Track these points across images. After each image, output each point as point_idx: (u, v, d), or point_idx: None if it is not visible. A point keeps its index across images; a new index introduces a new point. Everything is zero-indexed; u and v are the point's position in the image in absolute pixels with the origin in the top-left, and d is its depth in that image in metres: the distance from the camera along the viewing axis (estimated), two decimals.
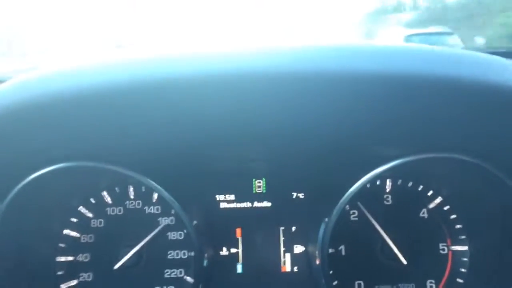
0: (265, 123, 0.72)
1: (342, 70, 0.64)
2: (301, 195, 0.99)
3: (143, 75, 0.64)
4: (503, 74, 0.66)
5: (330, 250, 0.91)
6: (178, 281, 0.93)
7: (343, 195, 0.84)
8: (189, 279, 0.91)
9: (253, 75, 0.64)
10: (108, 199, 0.96)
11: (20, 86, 0.67)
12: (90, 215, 0.95)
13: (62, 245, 0.92)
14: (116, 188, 0.95)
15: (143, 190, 0.95)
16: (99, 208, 0.95)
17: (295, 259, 0.97)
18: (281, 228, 0.98)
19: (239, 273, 0.97)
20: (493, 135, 0.72)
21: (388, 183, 0.96)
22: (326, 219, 0.85)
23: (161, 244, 0.94)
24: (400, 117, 0.70)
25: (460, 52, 0.70)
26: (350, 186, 0.84)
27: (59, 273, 0.91)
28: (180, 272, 0.93)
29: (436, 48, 0.71)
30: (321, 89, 0.65)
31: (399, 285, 0.93)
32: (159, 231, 0.93)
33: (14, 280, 0.82)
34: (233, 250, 0.97)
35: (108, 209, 0.95)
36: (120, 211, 0.96)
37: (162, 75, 0.64)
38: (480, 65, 0.68)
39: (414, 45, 0.71)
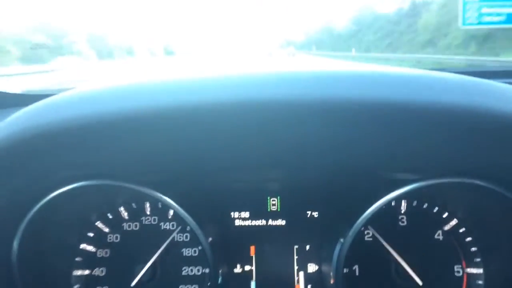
0: (282, 147, 0.74)
1: (358, 97, 0.65)
2: (315, 214, 0.99)
3: (162, 100, 0.66)
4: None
5: (345, 270, 0.91)
6: None
7: (357, 214, 0.84)
8: None
9: (269, 102, 0.65)
10: (125, 215, 0.97)
11: (47, 107, 0.69)
12: (107, 230, 0.96)
13: (79, 259, 0.94)
14: (133, 204, 0.97)
15: (160, 206, 0.96)
16: (115, 223, 0.97)
17: (308, 277, 0.97)
18: (295, 247, 0.98)
19: None
20: (507, 161, 0.73)
21: (403, 204, 0.96)
22: (342, 240, 0.85)
23: (176, 260, 0.95)
24: (415, 143, 0.71)
25: (471, 80, 0.70)
26: (365, 206, 0.84)
27: (76, 286, 0.93)
28: None
29: (449, 75, 0.71)
30: (336, 114, 0.66)
31: None
32: (174, 247, 0.94)
33: None
34: (247, 268, 0.98)
35: (124, 224, 0.97)
36: (136, 226, 0.97)
37: (179, 101, 0.65)
38: (492, 92, 0.69)
39: (429, 72, 0.72)
